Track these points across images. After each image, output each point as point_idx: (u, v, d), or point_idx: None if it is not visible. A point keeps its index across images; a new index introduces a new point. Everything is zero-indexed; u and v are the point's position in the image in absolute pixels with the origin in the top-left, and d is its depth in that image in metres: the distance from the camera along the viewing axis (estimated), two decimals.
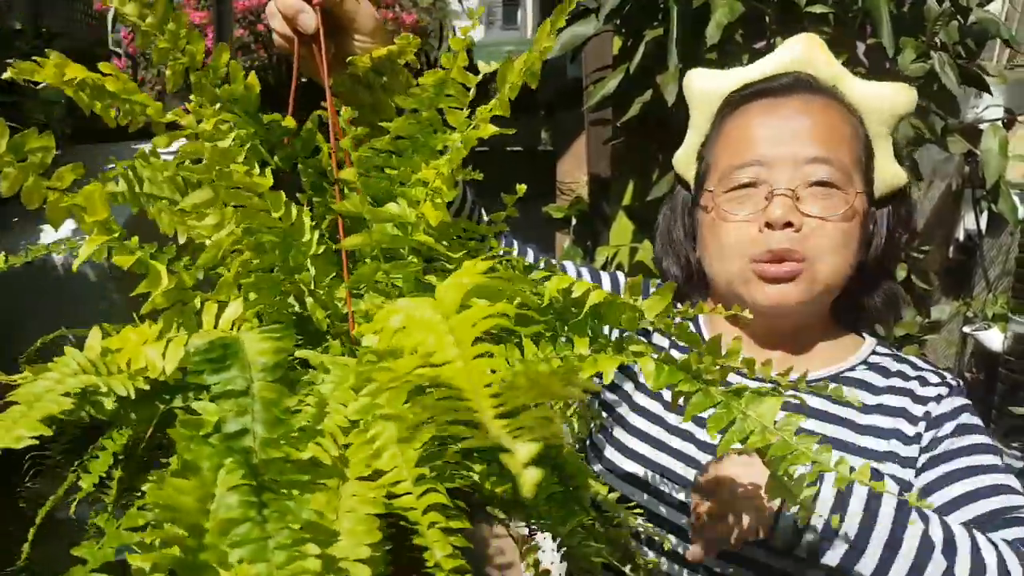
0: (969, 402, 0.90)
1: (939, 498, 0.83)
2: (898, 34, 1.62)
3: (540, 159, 4.41)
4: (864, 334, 0.98)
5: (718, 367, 0.48)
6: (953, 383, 0.91)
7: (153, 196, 0.51)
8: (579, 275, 1.00)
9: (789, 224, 0.84)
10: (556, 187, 3.69)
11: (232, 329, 0.46)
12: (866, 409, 0.89)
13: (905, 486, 0.85)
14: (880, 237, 0.92)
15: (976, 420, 0.88)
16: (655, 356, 0.49)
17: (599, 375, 1.00)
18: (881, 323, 1.01)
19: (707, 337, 0.96)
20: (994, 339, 2.22)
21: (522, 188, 0.62)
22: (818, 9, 1.61)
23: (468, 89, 0.56)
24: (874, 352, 0.95)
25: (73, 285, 2.50)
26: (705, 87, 0.95)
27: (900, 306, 1.00)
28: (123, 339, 0.43)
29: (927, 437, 0.86)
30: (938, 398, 0.88)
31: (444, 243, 0.54)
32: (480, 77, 0.56)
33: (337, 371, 0.41)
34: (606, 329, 0.54)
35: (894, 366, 0.93)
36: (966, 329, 2.43)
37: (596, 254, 2.36)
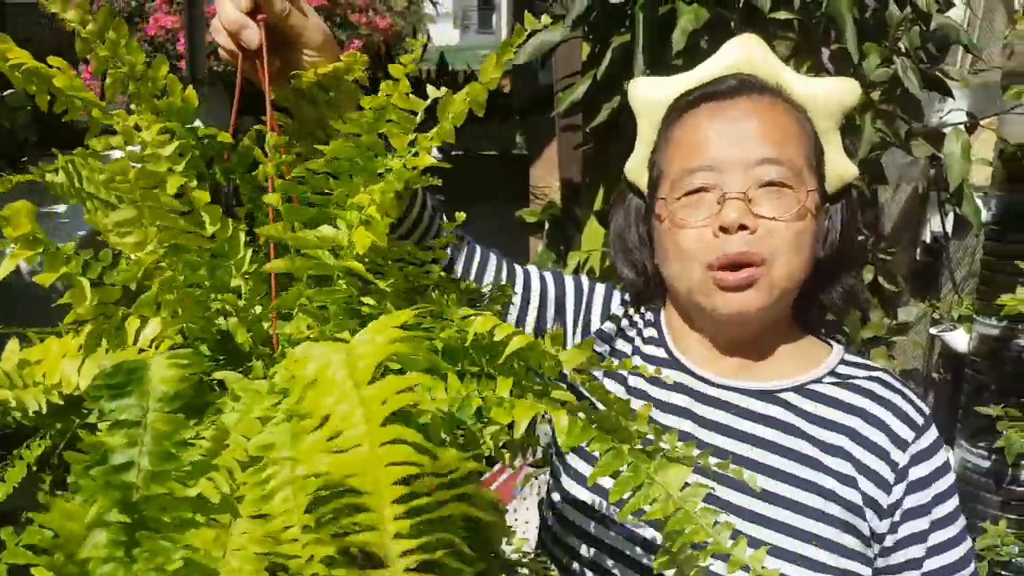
0: (939, 439, 0.89)
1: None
2: (862, 40, 1.64)
3: (514, 163, 4.41)
4: (831, 341, 0.96)
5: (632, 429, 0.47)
6: (926, 415, 0.90)
7: (90, 194, 0.51)
8: (542, 281, 0.99)
9: (743, 227, 0.83)
10: (530, 191, 3.70)
11: (152, 347, 0.46)
12: (832, 426, 0.88)
13: (868, 535, 0.86)
14: (835, 232, 0.91)
15: (949, 475, 0.88)
16: (577, 406, 0.48)
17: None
18: (841, 318, 1.00)
19: (669, 342, 0.96)
20: (960, 340, 2.25)
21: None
22: (782, 15, 1.63)
23: (414, 114, 0.55)
24: (842, 361, 0.93)
25: (38, 291, 2.47)
26: (650, 96, 0.94)
27: (860, 301, 0.99)
28: (44, 350, 0.43)
29: (904, 500, 0.87)
30: (916, 448, 0.87)
31: (382, 265, 0.53)
32: (427, 103, 0.55)
33: (247, 398, 0.40)
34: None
35: (865, 384, 0.91)
36: (932, 330, 2.46)
37: (568, 259, 2.37)
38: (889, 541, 0.87)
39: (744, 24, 1.70)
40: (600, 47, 1.82)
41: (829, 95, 0.90)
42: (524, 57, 1.87)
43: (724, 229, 0.83)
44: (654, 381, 0.94)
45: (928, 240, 2.95)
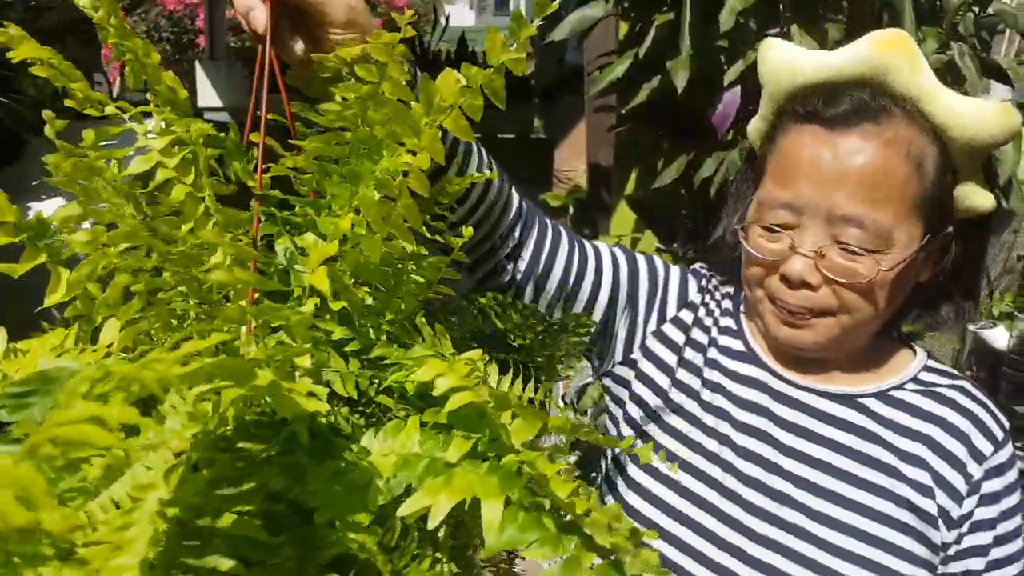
0: (1014, 456, 0.88)
1: None
2: (919, 23, 1.57)
3: (533, 147, 4.36)
4: (915, 346, 0.93)
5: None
6: (1005, 429, 0.88)
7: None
8: (614, 261, 0.92)
9: (807, 285, 0.80)
10: (552, 175, 3.65)
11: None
12: (911, 434, 0.85)
13: (937, 545, 0.84)
14: (946, 263, 0.85)
15: (1017, 492, 0.87)
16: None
17: (625, 383, 0.94)
18: (941, 331, 0.96)
19: (748, 336, 0.92)
20: (999, 337, 2.20)
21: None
22: None
23: (408, 105, 0.49)
24: (925, 368, 0.90)
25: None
26: (775, 67, 0.85)
27: (967, 320, 0.95)
28: (38, 343, 0.40)
29: (974, 512, 0.85)
30: (992, 463, 0.86)
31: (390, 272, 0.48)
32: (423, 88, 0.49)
33: (176, 419, 0.34)
34: None
35: (947, 392, 0.88)
36: (971, 327, 2.40)
37: None
38: (952, 551, 0.85)
39: (794, 4, 1.63)
40: (642, 26, 1.76)
41: (969, 129, 0.77)
42: (563, 33, 1.81)
43: (786, 280, 0.81)
44: (731, 375, 0.90)
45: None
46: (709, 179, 1.78)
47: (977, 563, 0.85)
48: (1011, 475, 0.86)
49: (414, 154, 0.48)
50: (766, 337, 0.90)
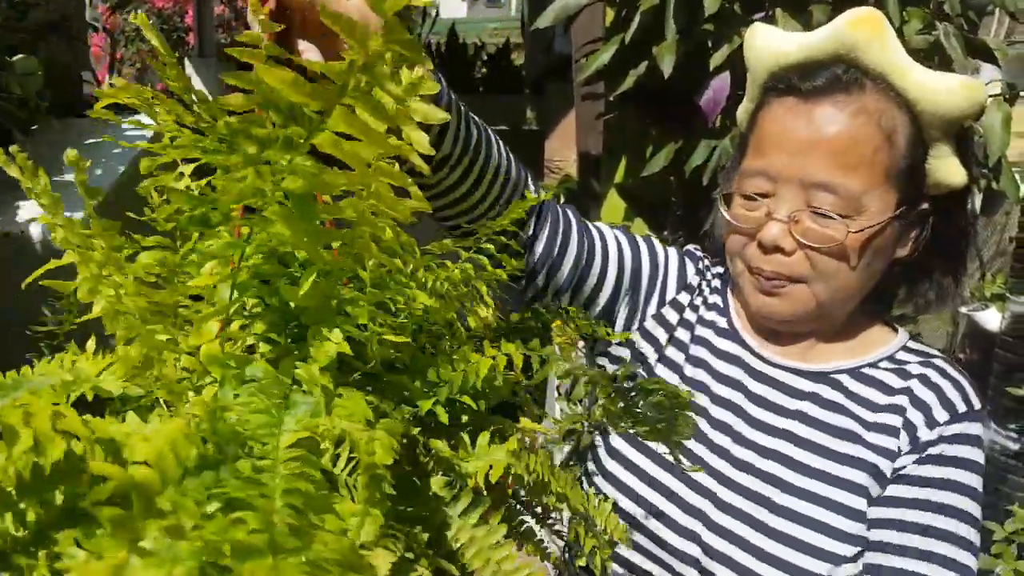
0: (977, 437, 0.86)
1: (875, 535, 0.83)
2: (904, 4, 1.57)
3: (525, 138, 4.35)
4: (898, 327, 0.94)
5: None
6: (972, 407, 0.86)
7: None
8: (618, 244, 0.94)
9: (780, 249, 0.83)
10: (544, 166, 3.64)
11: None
12: (878, 408, 0.86)
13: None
14: (923, 238, 0.86)
15: (970, 474, 0.84)
16: None
17: (619, 361, 0.95)
18: (912, 321, 0.97)
19: (732, 314, 0.95)
20: (991, 319, 2.20)
21: None
22: None
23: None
24: (904, 348, 0.91)
25: (52, 259, 2.44)
26: (759, 49, 0.88)
27: (952, 301, 0.94)
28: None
29: (907, 465, 0.84)
30: (945, 431, 0.84)
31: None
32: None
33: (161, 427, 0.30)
34: None
35: (917, 368, 0.88)
36: (963, 309, 2.40)
37: None
38: (880, 501, 0.84)
39: None
40: (627, 11, 1.75)
41: (939, 102, 0.80)
42: (547, 21, 1.80)
43: (762, 246, 0.84)
44: (714, 351, 0.93)
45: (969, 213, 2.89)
46: (700, 167, 1.77)
47: (888, 513, 0.83)
48: (967, 451, 0.85)
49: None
50: (746, 310, 0.93)
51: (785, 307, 0.86)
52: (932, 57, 1.71)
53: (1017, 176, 1.98)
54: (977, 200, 2.79)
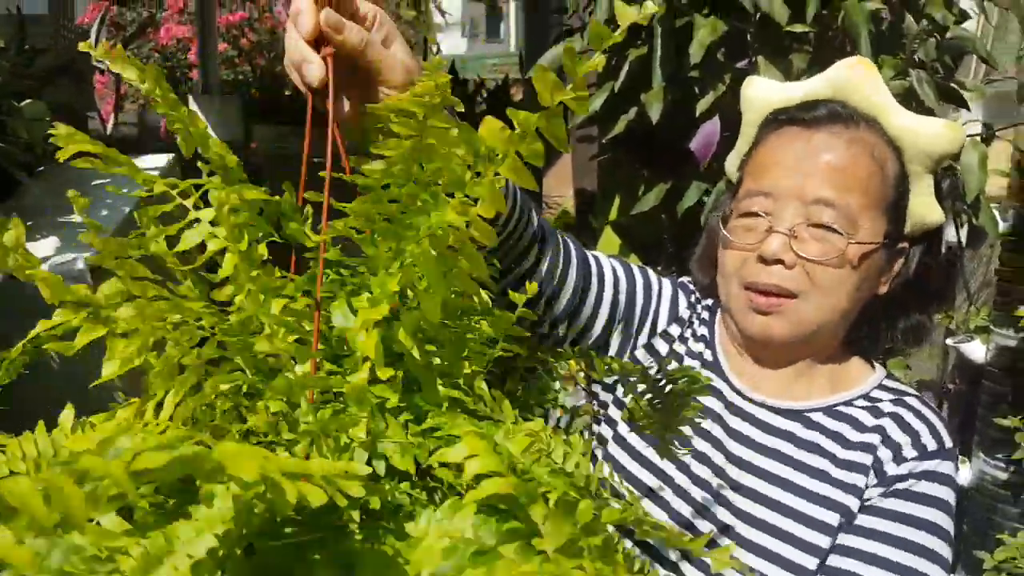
0: (947, 477, 0.88)
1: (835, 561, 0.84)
2: (877, 52, 1.64)
3: None
4: (875, 364, 0.97)
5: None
6: (943, 447, 0.89)
7: None
8: (615, 273, 0.96)
9: (781, 262, 0.86)
10: (542, 201, 3.71)
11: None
12: (851, 445, 0.89)
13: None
14: (908, 271, 0.92)
15: (936, 512, 0.85)
16: None
17: (611, 389, 0.99)
18: (903, 354, 1.00)
19: (717, 346, 0.98)
20: (977, 351, 2.25)
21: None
22: (798, 28, 1.63)
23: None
24: (879, 387, 0.94)
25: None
26: (755, 98, 0.96)
27: (926, 338, 0.99)
28: (100, 419, 0.42)
29: (872, 497, 0.87)
30: (913, 468, 0.87)
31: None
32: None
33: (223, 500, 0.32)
34: None
35: (891, 407, 0.91)
36: (949, 341, 2.45)
37: None
38: (845, 529, 0.86)
39: (760, 37, 1.70)
40: (617, 60, 1.83)
41: (923, 140, 0.88)
42: None
43: (763, 259, 0.87)
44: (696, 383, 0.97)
45: (943, 251, 2.95)
46: (693, 207, 1.84)
47: (850, 541, 0.85)
48: (936, 488, 0.86)
49: (475, 203, 0.47)
50: (740, 335, 0.95)
51: (781, 327, 0.87)
52: (908, 102, 1.79)
53: (996, 212, 2.04)
54: (963, 234, 2.86)
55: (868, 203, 0.86)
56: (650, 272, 1.03)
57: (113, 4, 7.43)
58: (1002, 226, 2.12)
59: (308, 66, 0.59)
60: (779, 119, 0.92)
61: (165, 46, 9.75)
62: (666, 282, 1.03)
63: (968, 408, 2.39)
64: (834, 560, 0.85)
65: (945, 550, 0.84)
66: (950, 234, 2.95)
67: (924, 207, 0.90)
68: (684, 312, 1.02)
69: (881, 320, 0.95)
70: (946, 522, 0.85)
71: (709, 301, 1.03)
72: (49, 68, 3.35)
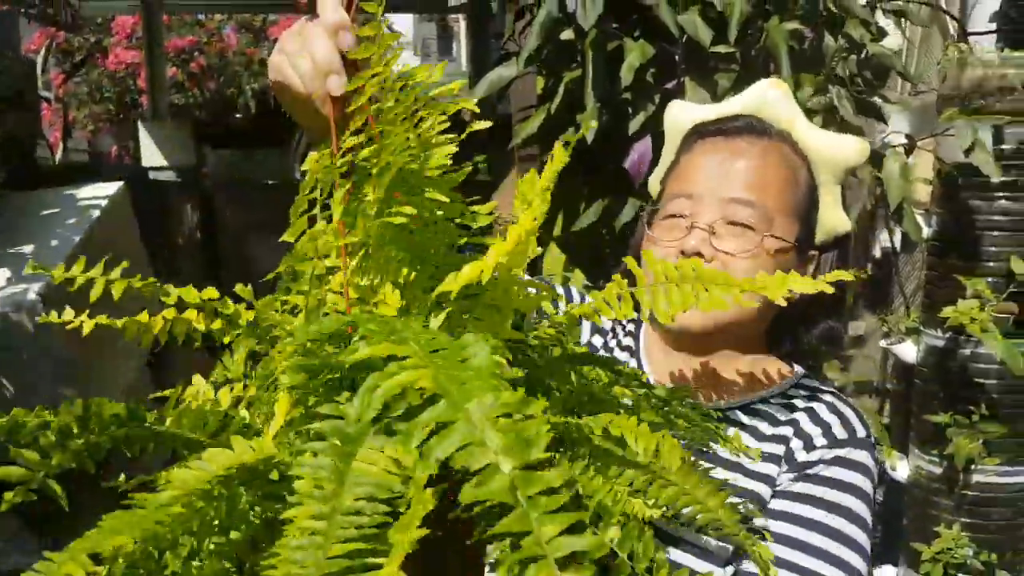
0: (860, 465, 0.91)
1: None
2: (798, 70, 1.73)
3: (477, 189, 4.46)
4: (795, 365, 1.01)
5: None
6: (855, 436, 0.92)
7: None
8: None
9: (700, 255, 0.91)
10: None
11: None
12: (765, 439, 0.93)
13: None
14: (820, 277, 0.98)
15: (847, 495, 0.88)
16: None
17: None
18: (816, 358, 1.05)
19: (642, 355, 1.02)
20: (909, 352, 2.34)
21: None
22: (723, 49, 1.71)
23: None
24: (796, 385, 0.98)
25: (10, 330, 2.50)
26: (675, 119, 1.03)
27: (839, 344, 1.03)
28: None
29: (782, 481, 0.90)
30: (824, 455, 0.90)
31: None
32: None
33: None
34: None
35: (804, 403, 0.95)
36: (882, 343, 2.55)
37: None
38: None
39: (688, 58, 1.78)
40: (553, 82, 1.90)
41: (832, 153, 0.96)
42: (481, 92, 1.94)
43: (684, 254, 0.92)
44: None
45: (878, 255, 3.06)
46: (630, 222, 1.91)
47: (761, 524, 0.87)
48: (847, 474, 0.89)
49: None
50: (660, 341, 0.99)
51: (692, 318, 0.90)
52: (832, 117, 1.88)
53: (921, 218, 2.14)
54: (897, 240, 2.97)
55: (782, 206, 0.93)
56: (573, 289, 1.09)
57: (60, 31, 7.36)
58: (927, 232, 2.22)
59: (337, 78, 0.63)
60: (700, 132, 0.99)
61: (114, 71, 9.67)
62: (588, 298, 1.08)
63: (906, 407, 2.48)
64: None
65: (858, 533, 0.87)
66: (884, 238, 3.07)
67: (833, 217, 0.97)
68: (606, 323, 1.06)
69: (799, 324, 0.99)
70: (858, 506, 0.88)
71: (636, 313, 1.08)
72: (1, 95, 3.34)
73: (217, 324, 0.64)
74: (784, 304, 0.95)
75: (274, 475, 0.51)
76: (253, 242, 4.82)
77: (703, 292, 0.64)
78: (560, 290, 1.09)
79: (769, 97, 0.98)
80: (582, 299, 1.08)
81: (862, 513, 0.88)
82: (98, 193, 3.15)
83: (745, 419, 0.95)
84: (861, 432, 0.93)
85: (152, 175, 5.08)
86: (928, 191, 2.40)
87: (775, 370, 1.00)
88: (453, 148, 0.61)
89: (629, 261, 0.72)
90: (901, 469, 2.37)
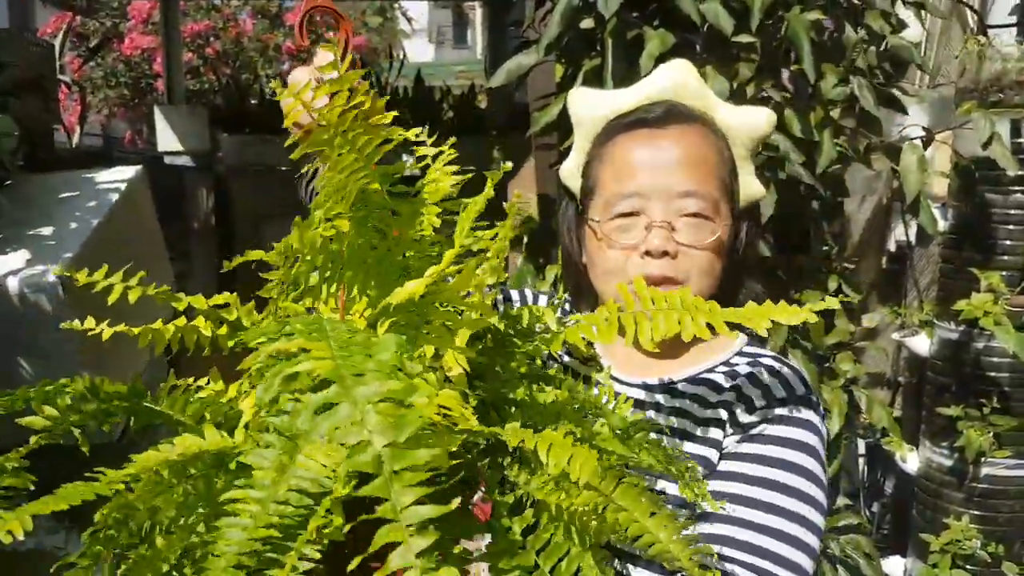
0: (801, 420, 0.92)
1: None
2: (819, 61, 1.73)
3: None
4: (739, 333, 1.03)
5: None
6: (793, 393, 0.94)
7: None
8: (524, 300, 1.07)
9: (666, 253, 0.93)
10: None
11: None
12: (710, 405, 0.95)
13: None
14: (742, 243, 1.02)
15: (791, 451, 0.90)
16: None
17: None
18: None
19: (597, 345, 1.02)
20: (922, 344, 2.34)
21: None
22: (744, 39, 1.71)
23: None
24: (739, 353, 1.01)
25: (28, 312, 2.53)
26: (587, 109, 1.04)
27: (762, 304, 1.07)
28: None
29: (727, 442, 0.92)
30: (763, 414, 0.92)
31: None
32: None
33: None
34: None
35: (746, 368, 0.97)
36: (895, 335, 2.55)
37: (546, 271, 2.45)
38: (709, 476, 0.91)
39: (708, 47, 1.79)
40: (572, 70, 1.90)
41: (742, 124, 1.00)
42: (499, 80, 1.95)
43: (649, 253, 0.94)
44: (574, 374, 1.03)
45: (893, 248, 3.06)
46: None
47: (712, 485, 0.88)
48: (791, 432, 0.91)
49: None
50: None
51: None
52: (853, 107, 1.88)
53: (937, 212, 2.15)
54: (912, 233, 2.97)
55: (721, 189, 0.97)
56: (528, 291, 1.13)
57: (76, 15, 7.39)
58: (943, 225, 2.22)
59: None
60: (623, 123, 1.00)
61: (130, 56, 9.72)
62: (543, 296, 1.14)
63: (919, 399, 2.49)
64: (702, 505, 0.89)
65: (806, 485, 0.89)
66: (900, 232, 3.07)
67: (750, 186, 1.02)
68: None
69: (734, 286, 1.02)
70: (805, 460, 0.90)
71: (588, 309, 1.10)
72: (14, 82, 3.37)
73: (223, 331, 0.68)
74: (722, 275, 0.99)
75: (232, 465, 0.56)
76: (267, 226, 4.85)
77: (688, 320, 0.66)
78: (515, 295, 1.13)
79: (686, 80, 1.00)
80: (535, 300, 1.12)
81: (808, 466, 0.89)
82: (117, 177, 3.17)
83: (691, 389, 0.97)
84: (800, 390, 0.95)
85: (167, 159, 5.11)
86: (945, 184, 2.41)
87: (720, 340, 1.01)
88: (404, 167, 0.65)
89: (622, 289, 0.74)
90: (912, 461, 2.38)
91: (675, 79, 1.00)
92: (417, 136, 0.71)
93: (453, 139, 0.77)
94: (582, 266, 1.04)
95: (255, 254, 0.64)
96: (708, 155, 0.97)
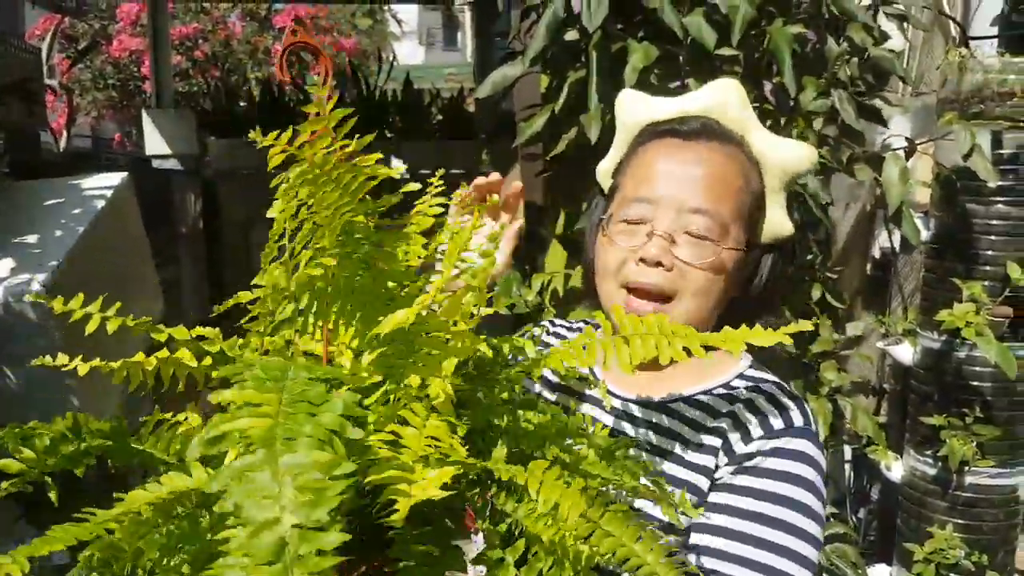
0: (798, 453, 0.90)
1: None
2: (801, 73, 1.74)
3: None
4: (744, 356, 1.02)
5: None
6: (792, 426, 0.92)
7: None
8: None
9: (661, 264, 0.93)
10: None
11: None
12: (705, 430, 0.94)
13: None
14: (761, 277, 1.00)
15: (784, 484, 0.88)
16: None
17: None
18: (757, 354, 1.07)
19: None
20: (905, 353, 2.36)
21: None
22: (726, 52, 1.72)
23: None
24: (740, 376, 0.99)
25: (12, 322, 2.52)
26: (630, 111, 1.04)
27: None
28: None
29: (722, 473, 0.91)
30: (760, 446, 0.90)
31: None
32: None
33: None
34: None
35: (745, 394, 0.96)
36: (880, 344, 2.57)
37: (531, 280, 2.45)
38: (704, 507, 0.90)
39: (691, 60, 1.80)
40: (557, 82, 1.91)
41: (782, 159, 0.98)
42: (485, 92, 1.95)
43: (644, 260, 0.94)
44: (569, 390, 1.04)
45: (877, 256, 3.07)
46: None
47: (702, 518, 0.88)
48: (786, 464, 0.89)
49: None
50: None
51: None
52: (835, 118, 1.89)
53: (919, 221, 2.16)
54: (896, 241, 2.98)
55: (737, 213, 0.95)
56: (574, 323, 1.14)
57: (65, 16, 7.36)
58: (925, 234, 2.24)
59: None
60: (656, 131, 1.00)
61: (118, 59, 9.68)
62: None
63: (902, 408, 2.51)
64: (693, 537, 0.89)
65: (802, 521, 0.87)
66: (884, 239, 3.08)
67: (778, 221, 1.00)
68: (546, 332, 1.11)
69: (749, 319, 0.99)
70: (801, 495, 0.88)
71: (582, 324, 1.12)
72: (4, 86, 3.35)
73: (207, 362, 0.66)
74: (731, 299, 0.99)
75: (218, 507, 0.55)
76: (256, 230, 4.84)
77: (665, 345, 0.66)
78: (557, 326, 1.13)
79: (730, 101, 0.99)
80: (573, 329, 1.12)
81: (805, 500, 0.88)
82: (102, 183, 3.16)
83: (688, 411, 0.97)
84: (799, 421, 0.93)
85: (155, 163, 5.09)
86: (927, 194, 2.42)
87: (722, 362, 1.01)
88: (394, 200, 0.65)
89: (616, 311, 0.75)
90: (896, 469, 2.39)
91: (718, 98, 0.99)
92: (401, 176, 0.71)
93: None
94: (590, 262, 1.05)
95: (244, 296, 0.64)
96: (731, 178, 0.96)
